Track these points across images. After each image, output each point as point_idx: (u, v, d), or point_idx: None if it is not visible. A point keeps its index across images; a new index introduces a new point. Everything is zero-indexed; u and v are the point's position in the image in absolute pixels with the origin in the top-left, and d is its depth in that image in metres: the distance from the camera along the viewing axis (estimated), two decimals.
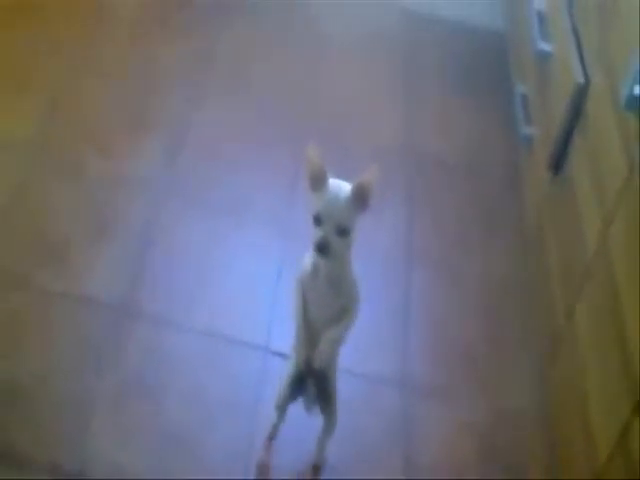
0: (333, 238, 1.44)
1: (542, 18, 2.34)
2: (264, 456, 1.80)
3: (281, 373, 1.73)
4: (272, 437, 1.80)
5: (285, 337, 2.07)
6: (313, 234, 1.46)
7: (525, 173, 2.52)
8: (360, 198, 1.45)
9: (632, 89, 1.58)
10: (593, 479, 1.64)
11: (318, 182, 1.47)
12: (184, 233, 2.29)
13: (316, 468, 1.80)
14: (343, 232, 1.44)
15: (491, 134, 2.81)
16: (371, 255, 2.33)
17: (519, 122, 2.44)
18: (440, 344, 2.21)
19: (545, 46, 2.26)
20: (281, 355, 2.06)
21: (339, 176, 1.52)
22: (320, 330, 1.58)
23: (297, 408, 1.80)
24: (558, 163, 2.11)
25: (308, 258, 1.55)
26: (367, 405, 2.03)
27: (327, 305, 1.56)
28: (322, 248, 1.44)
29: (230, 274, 2.23)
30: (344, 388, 2.02)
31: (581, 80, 1.97)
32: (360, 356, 2.12)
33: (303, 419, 1.82)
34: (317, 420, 1.80)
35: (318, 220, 1.45)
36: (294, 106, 2.74)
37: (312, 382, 1.66)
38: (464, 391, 2.12)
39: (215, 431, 1.89)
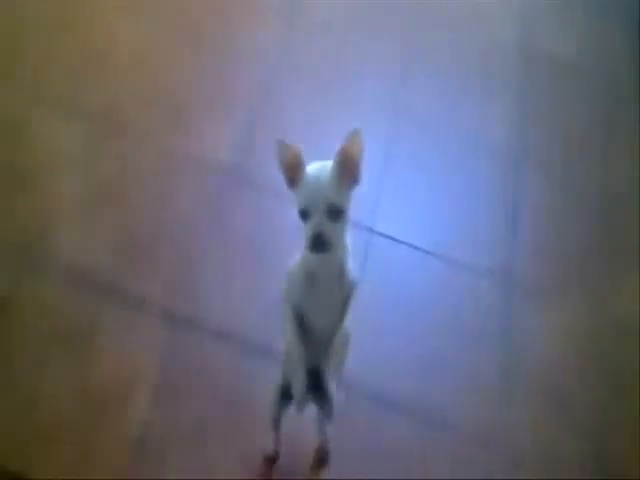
0: (326, 225, 1.21)
1: None
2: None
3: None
4: (276, 456, 1.69)
5: (390, 220, 2.07)
6: (304, 231, 1.23)
7: None
8: (346, 170, 1.23)
9: None
10: None
11: (297, 176, 1.25)
12: (294, 109, 2.28)
13: (323, 451, 1.71)
14: (336, 215, 1.22)
15: (613, 37, 2.70)
16: (479, 150, 2.29)
17: None
18: (548, 245, 2.18)
19: None
20: (386, 237, 2.06)
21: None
22: (322, 335, 1.35)
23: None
24: None
25: (298, 268, 1.32)
26: (469, 295, 2.04)
27: (329, 309, 1.33)
28: (317, 241, 1.21)
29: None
30: (447, 276, 2.01)
31: None
32: (465, 246, 2.11)
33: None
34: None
35: (305, 213, 1.22)
36: None
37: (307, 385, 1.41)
38: (571, 295, 2.09)
39: None
